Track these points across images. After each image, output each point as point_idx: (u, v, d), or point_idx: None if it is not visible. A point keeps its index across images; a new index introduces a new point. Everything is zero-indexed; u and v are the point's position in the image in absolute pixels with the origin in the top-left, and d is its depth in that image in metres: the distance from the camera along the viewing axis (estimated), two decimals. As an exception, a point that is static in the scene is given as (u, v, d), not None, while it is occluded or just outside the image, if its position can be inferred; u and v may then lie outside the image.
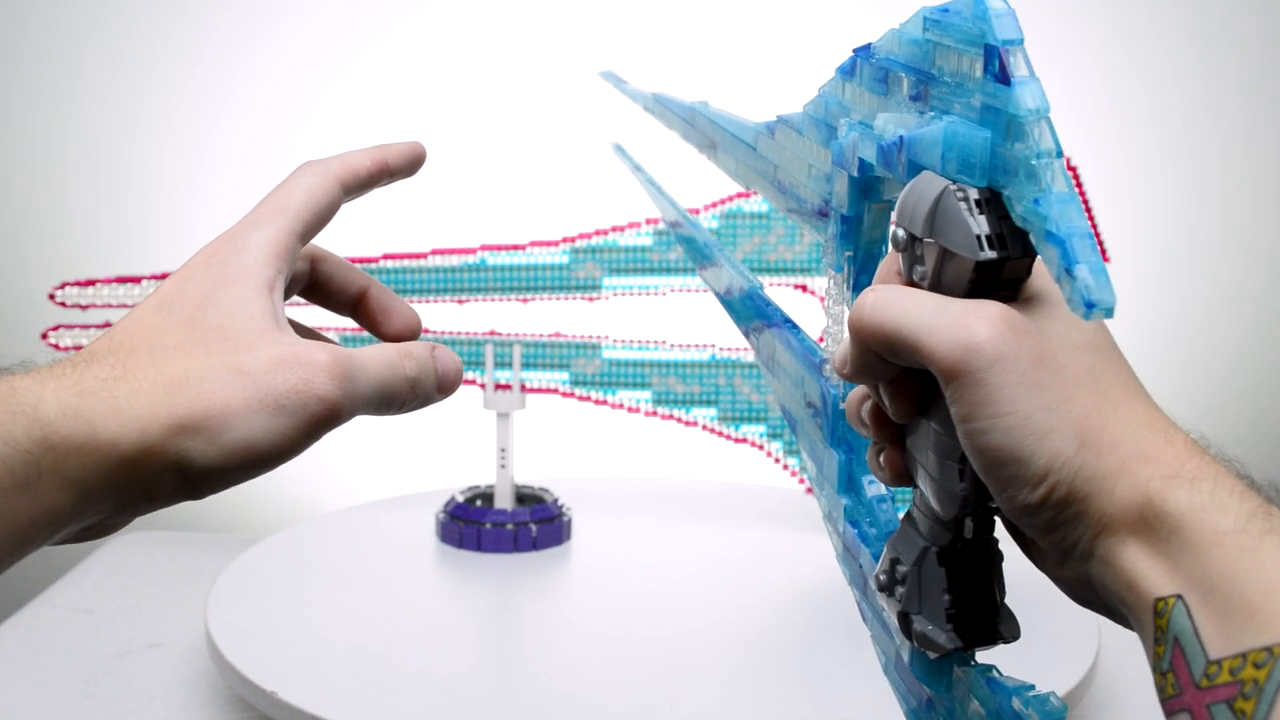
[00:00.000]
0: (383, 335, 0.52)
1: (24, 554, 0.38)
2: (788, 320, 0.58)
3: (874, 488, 0.51)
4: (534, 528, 1.14)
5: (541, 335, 1.20)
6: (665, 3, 1.46)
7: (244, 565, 1.09)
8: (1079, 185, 1.09)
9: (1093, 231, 0.36)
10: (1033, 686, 0.41)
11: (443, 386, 0.47)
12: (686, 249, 0.74)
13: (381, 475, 1.46)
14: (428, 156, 0.52)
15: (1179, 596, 0.36)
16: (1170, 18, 1.46)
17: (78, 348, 1.13)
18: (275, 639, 0.96)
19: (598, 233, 1.19)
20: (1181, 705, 0.35)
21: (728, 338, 1.15)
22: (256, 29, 1.45)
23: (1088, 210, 1.07)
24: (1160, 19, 1.46)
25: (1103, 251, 1.08)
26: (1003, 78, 0.38)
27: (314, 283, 0.52)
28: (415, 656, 0.94)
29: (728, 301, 0.65)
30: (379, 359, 0.45)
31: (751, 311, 0.61)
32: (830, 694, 0.89)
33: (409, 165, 0.51)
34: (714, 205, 1.17)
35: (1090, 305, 0.35)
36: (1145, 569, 0.37)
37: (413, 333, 0.53)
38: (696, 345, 1.19)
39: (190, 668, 1.01)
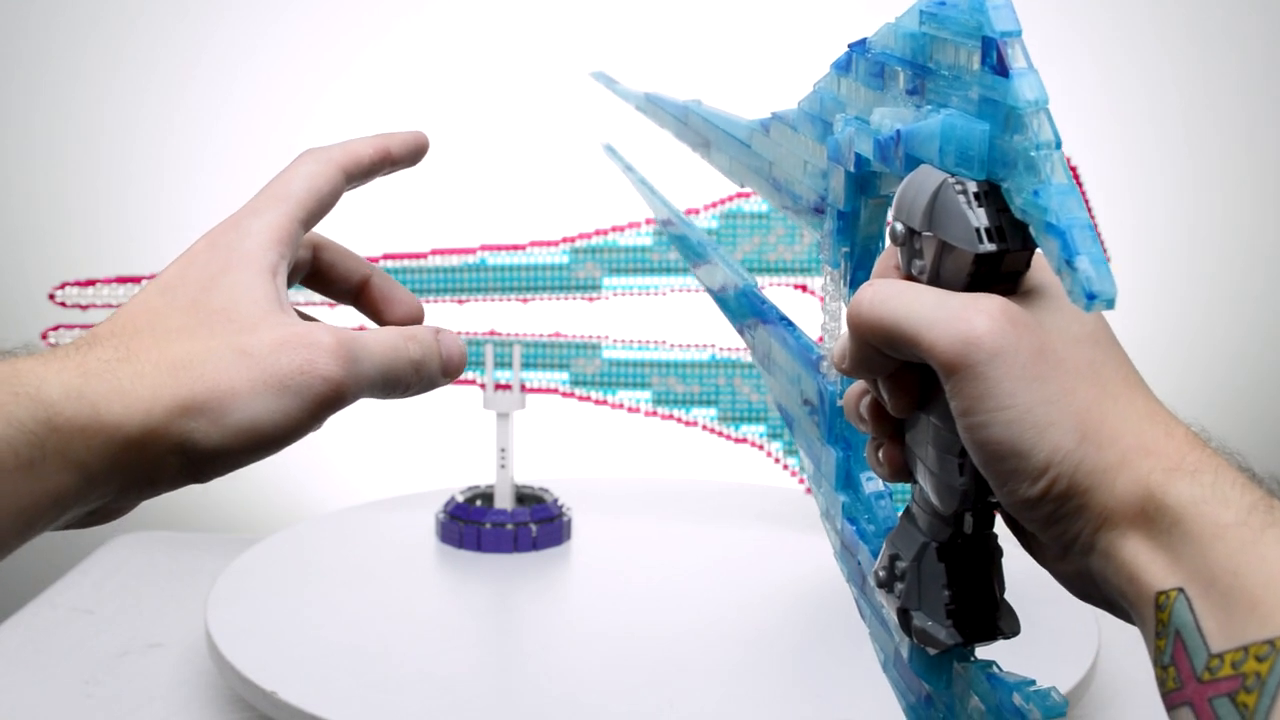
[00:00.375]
0: (385, 323, 0.52)
1: (28, 537, 0.38)
2: (783, 318, 0.57)
3: (872, 484, 0.51)
4: (534, 528, 1.14)
5: (541, 335, 1.20)
6: (663, 1, 1.46)
7: (244, 565, 1.09)
8: (1079, 185, 1.09)
9: (1093, 223, 0.36)
10: (1033, 682, 0.41)
11: (447, 370, 0.47)
12: (680, 248, 0.74)
13: (381, 475, 1.46)
14: (429, 148, 0.52)
15: (1180, 590, 0.36)
16: (1170, 18, 1.46)
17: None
18: (275, 639, 0.95)
19: (598, 233, 1.18)
20: (1183, 699, 0.35)
21: (728, 338, 1.15)
22: (256, 29, 1.45)
23: (1088, 209, 1.07)
24: (1160, 19, 1.46)
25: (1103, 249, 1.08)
26: (1001, 70, 0.37)
27: (316, 270, 0.52)
28: (415, 656, 0.94)
29: (722, 299, 0.65)
30: (383, 341, 0.44)
31: (746, 309, 0.61)
32: (830, 694, 0.89)
33: (412, 154, 0.51)
34: (714, 205, 1.16)
35: (1091, 296, 0.34)
36: (1146, 562, 0.37)
37: (415, 320, 0.52)
38: (696, 345, 1.19)
39: (190, 668, 1.01)
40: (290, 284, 0.48)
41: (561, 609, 1.06)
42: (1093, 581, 0.39)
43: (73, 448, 0.38)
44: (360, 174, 0.49)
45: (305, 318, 0.49)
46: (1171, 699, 0.36)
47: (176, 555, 1.24)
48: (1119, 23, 1.46)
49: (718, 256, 0.65)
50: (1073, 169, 1.11)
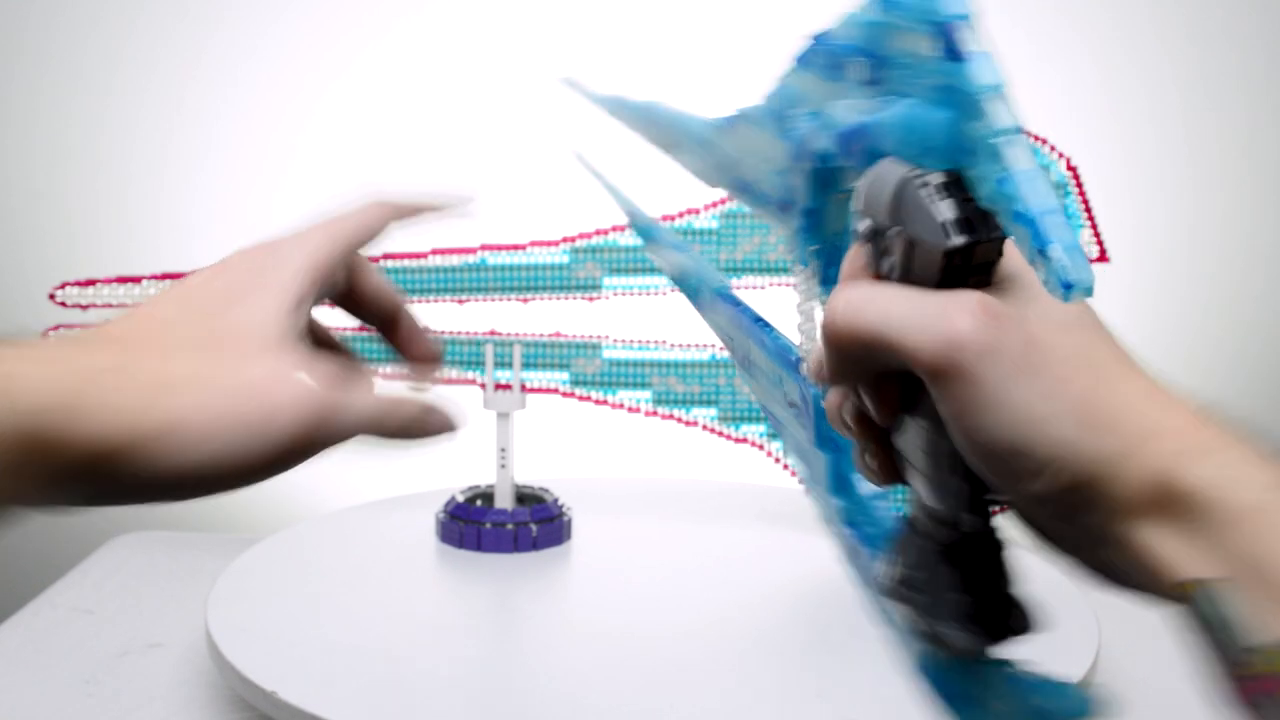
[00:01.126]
0: (402, 356, 0.52)
1: None
2: (759, 319, 0.56)
3: (868, 485, 0.49)
4: (534, 528, 1.14)
5: (541, 335, 1.20)
6: (662, 2, 1.46)
7: (244, 565, 1.09)
8: (1079, 185, 1.09)
9: (1063, 207, 0.35)
10: (1052, 681, 0.40)
11: (424, 442, 0.47)
12: (640, 236, 0.72)
13: (381, 475, 1.46)
14: (478, 208, 0.53)
15: (1203, 579, 0.34)
16: (1170, 18, 1.46)
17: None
18: (275, 639, 0.95)
19: (598, 233, 1.18)
20: (1227, 690, 0.34)
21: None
22: (256, 29, 1.45)
23: (1088, 210, 1.07)
24: (1160, 19, 1.46)
25: (1102, 251, 1.07)
26: (954, 55, 0.36)
27: (350, 291, 0.52)
28: (415, 656, 0.94)
29: (692, 295, 0.63)
30: (369, 408, 0.44)
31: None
32: (830, 694, 0.89)
33: (460, 209, 0.52)
34: (713, 205, 1.16)
35: (1068, 286, 0.33)
36: (1165, 551, 0.35)
37: (432, 362, 0.53)
38: (696, 345, 1.19)
39: (190, 668, 1.01)
40: (320, 301, 0.48)
41: (561, 609, 1.06)
42: (1115, 573, 0.38)
43: (27, 458, 0.37)
44: (407, 218, 0.51)
45: (327, 340, 0.49)
46: (1224, 690, 0.34)
47: (176, 555, 1.24)
48: (1119, 23, 1.45)
49: (687, 255, 0.64)
50: (1072, 170, 1.11)
